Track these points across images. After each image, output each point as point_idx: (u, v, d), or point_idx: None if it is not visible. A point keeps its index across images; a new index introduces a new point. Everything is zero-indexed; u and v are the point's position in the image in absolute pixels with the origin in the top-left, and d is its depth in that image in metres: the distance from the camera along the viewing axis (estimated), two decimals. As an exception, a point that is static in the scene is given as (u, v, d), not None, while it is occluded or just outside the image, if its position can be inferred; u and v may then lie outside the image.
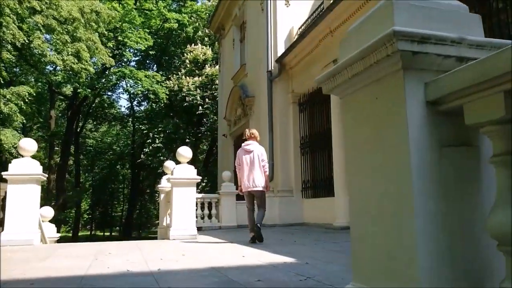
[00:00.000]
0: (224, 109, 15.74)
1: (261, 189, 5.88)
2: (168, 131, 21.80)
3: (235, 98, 14.34)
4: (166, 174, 8.88)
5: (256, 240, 5.61)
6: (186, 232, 6.67)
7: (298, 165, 10.98)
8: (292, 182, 10.95)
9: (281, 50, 11.35)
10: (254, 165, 5.86)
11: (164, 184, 8.42)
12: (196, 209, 10.07)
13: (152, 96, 22.87)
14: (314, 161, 10.71)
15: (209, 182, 26.20)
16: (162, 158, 22.95)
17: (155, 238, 11.02)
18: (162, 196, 8.76)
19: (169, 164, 8.62)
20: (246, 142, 6.12)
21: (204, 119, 26.87)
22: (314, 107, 10.73)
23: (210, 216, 10.53)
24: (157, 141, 21.74)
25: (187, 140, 23.43)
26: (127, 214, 34.90)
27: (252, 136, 6.13)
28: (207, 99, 22.49)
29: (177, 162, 7.14)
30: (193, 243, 5.97)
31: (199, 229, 9.97)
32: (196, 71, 23.53)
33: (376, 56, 1.45)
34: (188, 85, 22.00)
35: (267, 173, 6.11)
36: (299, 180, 10.93)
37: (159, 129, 21.98)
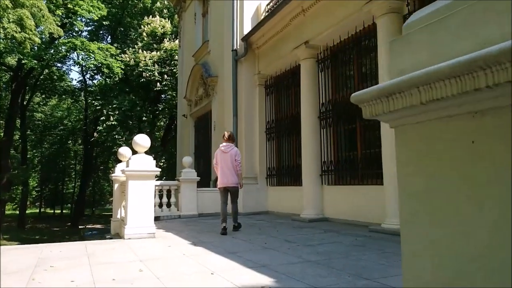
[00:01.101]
0: (184, 88, 14.84)
1: (235, 185, 6.65)
2: (123, 108, 20.52)
3: (197, 77, 13.49)
4: (121, 161, 8.08)
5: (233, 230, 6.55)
6: (143, 230, 6.00)
7: (263, 151, 10.46)
8: (256, 169, 10.43)
9: (247, 28, 10.60)
10: (229, 165, 6.61)
11: (118, 173, 7.62)
12: (154, 197, 9.43)
13: (106, 71, 21.38)
14: (280, 148, 10.23)
15: (167, 161, 25.33)
16: (117, 136, 21.75)
17: (110, 216, 10.19)
18: (116, 186, 7.97)
19: (124, 151, 7.81)
20: (224, 144, 6.79)
21: (162, 95, 25.70)
22: (282, 91, 10.16)
23: (169, 205, 9.86)
24: (111, 119, 20.44)
25: (144, 118, 22.29)
26: (79, 191, 33.35)
27: (230, 138, 6.84)
28: (165, 76, 21.33)
29: (134, 152, 6.39)
30: (152, 249, 5.32)
31: (157, 218, 9.27)
32: (154, 45, 22.20)
33: (493, 77, 0.87)
34: (145, 60, 20.72)
35: (240, 172, 6.78)
36: (264, 167, 10.44)
37: (114, 105, 20.64)
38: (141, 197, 6.02)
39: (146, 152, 6.31)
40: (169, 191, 9.96)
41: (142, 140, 6.18)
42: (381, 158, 6.52)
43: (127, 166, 6.12)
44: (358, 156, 7.54)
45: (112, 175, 8.20)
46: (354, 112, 7.56)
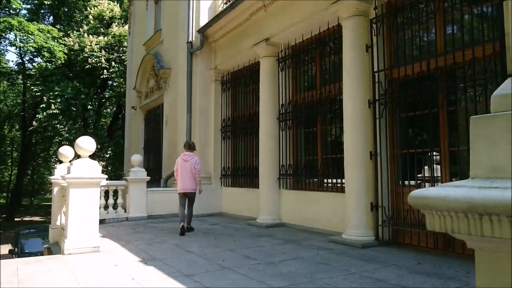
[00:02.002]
0: (133, 78, 13.96)
1: (192, 191, 7.23)
2: (66, 95, 19.10)
3: (148, 67, 12.70)
4: (62, 161, 7.30)
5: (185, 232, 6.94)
6: (86, 244, 5.38)
7: (218, 150, 10.00)
8: (211, 168, 9.96)
9: (204, 19, 10.02)
10: (189, 173, 7.18)
11: (58, 175, 6.87)
12: (100, 199, 8.71)
13: (47, 54, 19.77)
14: (236, 147, 9.83)
15: (113, 153, 24.07)
16: (59, 126, 20.27)
17: (49, 206, 9.30)
18: (55, 189, 7.20)
19: (65, 151, 7.05)
20: (185, 153, 7.36)
21: (110, 82, 24.35)
22: (239, 88, 9.73)
23: (115, 206, 9.18)
24: (53, 107, 18.97)
25: (89, 107, 20.93)
26: (17, 179, 31.07)
27: (190, 147, 7.45)
28: (113, 63, 20.14)
29: (78, 156, 5.71)
30: (96, 270, 4.76)
31: (102, 221, 8.60)
32: (101, 29, 20.88)
33: None
34: (91, 45, 19.41)
35: (199, 179, 7.33)
36: (218, 166, 9.99)
37: (56, 92, 19.15)
38: (84, 207, 5.39)
39: (90, 157, 5.66)
40: (115, 192, 9.27)
41: (86, 143, 5.52)
42: (343, 165, 6.32)
43: (68, 172, 5.45)
44: (318, 161, 7.31)
45: (51, 177, 7.41)
46: (315, 115, 7.31)
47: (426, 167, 5.55)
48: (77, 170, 5.35)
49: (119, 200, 9.22)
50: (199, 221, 8.88)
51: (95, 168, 5.47)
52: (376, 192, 5.84)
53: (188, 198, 7.25)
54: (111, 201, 9.06)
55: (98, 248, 5.46)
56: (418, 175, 5.60)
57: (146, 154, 13.55)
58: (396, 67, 5.73)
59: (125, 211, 9.17)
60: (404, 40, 5.74)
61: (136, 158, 9.48)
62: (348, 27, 6.20)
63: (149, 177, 9.45)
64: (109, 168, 24.57)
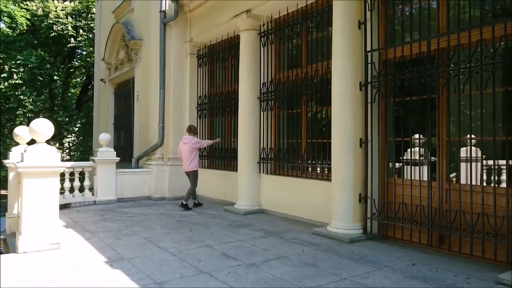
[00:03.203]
0: (102, 48, 12.96)
1: (192, 170, 7.82)
2: (30, 65, 17.79)
3: (117, 37, 11.74)
4: (19, 143, 6.55)
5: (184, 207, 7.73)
6: (44, 240, 4.77)
7: (193, 130, 9.34)
8: (186, 148, 9.33)
9: (179, -14, 9.16)
10: (187, 154, 7.77)
11: (14, 160, 6.14)
12: (64, 182, 8.05)
13: (7, 20, 18.27)
14: (213, 127, 9.24)
15: (82, 125, 22.95)
16: (22, 97, 18.98)
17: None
18: (11, 175, 6.47)
19: (20, 131, 6.29)
20: (185, 136, 7.96)
21: (78, 51, 22.95)
22: (217, 63, 9.04)
23: (82, 189, 8.52)
24: (15, 77, 17.67)
25: (55, 77, 19.64)
26: (-26, 151, 29.48)
27: (191, 131, 7.97)
28: (81, 30, 18.83)
29: (32, 141, 5.01)
30: (53, 275, 4.19)
31: (67, 206, 8.02)
32: (68, -7, 19.36)
33: None
34: (56, 11, 17.99)
35: (206, 144, 8.23)
36: (194, 146, 9.36)
37: (18, 61, 17.80)
38: (41, 199, 4.74)
39: (48, 142, 4.97)
40: (82, 174, 8.59)
41: (42, 127, 4.81)
42: (330, 151, 5.86)
43: (22, 160, 4.76)
44: (302, 145, 6.82)
45: (6, 161, 6.65)
46: (300, 96, 6.77)
47: (421, 158, 5.15)
48: (32, 158, 4.67)
49: (86, 182, 8.56)
50: (173, 205, 8.36)
51: (52, 155, 4.79)
52: (365, 182, 5.42)
53: (189, 176, 7.91)
54: (77, 183, 8.37)
55: (59, 244, 4.86)
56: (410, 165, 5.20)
57: (117, 131, 12.76)
58: (392, 47, 5.21)
59: (92, 194, 8.53)
60: (402, 17, 5.19)
61: (105, 137, 8.76)
62: (339, 0, 5.59)
63: (119, 158, 8.79)
64: (78, 143, 23.56)
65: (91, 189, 8.59)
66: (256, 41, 7.51)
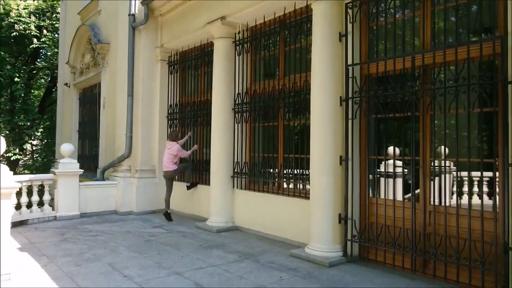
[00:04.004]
0: (66, 51, 12.28)
1: (170, 169, 7.82)
2: (-12, 65, 16.80)
3: (83, 40, 11.14)
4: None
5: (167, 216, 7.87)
6: (-8, 271, 4.24)
7: (163, 140, 8.86)
8: (155, 159, 8.88)
9: (150, -11, 8.71)
10: (170, 157, 7.78)
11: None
12: (20, 197, 7.44)
13: (-37, 18, 17.18)
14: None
15: (46, 130, 21.88)
16: (-20, 101, 17.90)
17: None
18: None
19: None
20: (168, 142, 7.90)
21: (42, 51, 21.90)
22: (189, 70, 8.62)
23: (41, 204, 7.90)
24: (-29, 78, 16.63)
25: (16, 79, 18.60)
26: None
27: (172, 138, 7.91)
28: (45, 30, 17.94)
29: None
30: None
31: (24, 223, 7.40)
32: (31, -9, 18.43)
33: None
34: (18, 9, 17.06)
35: (187, 155, 8.02)
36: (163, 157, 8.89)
37: (-25, 62, 16.78)
38: (-11, 225, 4.21)
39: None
40: (41, 187, 7.98)
41: (-8, 143, 4.29)
42: (308, 167, 5.60)
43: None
44: (279, 160, 6.52)
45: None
46: (277, 109, 6.47)
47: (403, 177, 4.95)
48: (-22, 179, 4.14)
49: (46, 197, 7.95)
50: (141, 221, 7.88)
51: (3, 175, 4.28)
52: (345, 202, 5.16)
53: (167, 180, 7.96)
54: (35, 198, 7.75)
55: (10, 275, 4.33)
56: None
57: (81, 139, 12.10)
58: (374, 62, 4.98)
59: (53, 209, 7.93)
60: (385, 30, 4.98)
61: (67, 148, 8.18)
62: (319, 11, 5.34)
63: (82, 170, 8.23)
64: (41, 147, 22.47)
65: (51, 203, 7.99)
66: (231, 50, 7.17)
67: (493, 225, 3.95)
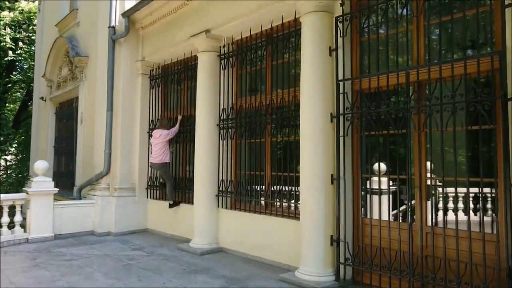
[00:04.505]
0: (43, 64, 11.84)
1: (158, 162, 7.55)
2: (-41, 78, 16.16)
3: (60, 53, 10.73)
4: None
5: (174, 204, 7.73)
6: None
7: (144, 156, 8.54)
8: (135, 177, 8.49)
9: (131, 0, 8.45)
10: (160, 148, 7.54)
11: None
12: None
13: None
14: (166, 154, 8.44)
15: (22, 145, 21.11)
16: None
17: None
18: None
19: None
20: (156, 131, 7.68)
21: (18, 64, 21.27)
22: (172, 85, 8.33)
23: (11, 225, 7.40)
24: None
25: (-10, 93, 18.00)
26: None
27: (162, 125, 7.72)
28: (21, 43, 17.43)
29: None
30: None
31: (-7, 246, 6.87)
32: (7, 2, 17.93)
33: None
34: (-7, 21, 16.55)
35: (174, 131, 7.69)
36: (144, 175, 8.54)
37: None
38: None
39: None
40: (12, 208, 7.49)
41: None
42: (297, 185, 5.36)
43: None
44: (267, 178, 6.25)
45: None
46: (264, 125, 6.23)
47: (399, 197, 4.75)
48: None
49: (17, 218, 7.46)
50: (120, 242, 7.46)
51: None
52: (337, 223, 4.92)
53: (160, 172, 7.79)
54: (5, 219, 7.27)
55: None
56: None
57: (57, 155, 11.58)
58: (366, 77, 4.81)
59: (25, 231, 7.44)
60: (377, 44, 4.83)
61: (41, 165, 7.75)
62: (308, 24, 5.16)
63: (57, 189, 7.78)
64: (16, 162, 21.68)
65: (23, 224, 7.50)
66: (216, 64, 6.93)
67: (495, 248, 3.76)
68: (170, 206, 7.70)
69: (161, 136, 7.48)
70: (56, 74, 11.21)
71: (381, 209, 4.72)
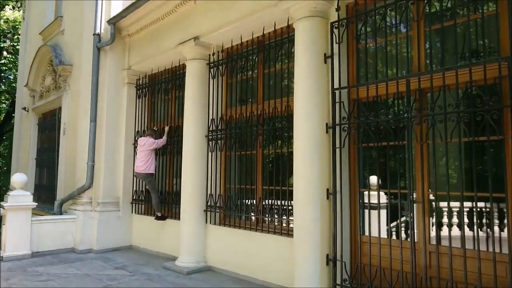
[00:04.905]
0: (27, 73, 11.44)
1: (143, 172, 7.22)
2: None
3: (44, 61, 10.37)
4: None
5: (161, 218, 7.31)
6: None
7: (129, 169, 8.14)
8: (119, 191, 8.09)
9: (117, 7, 8.15)
10: (144, 157, 7.23)
11: None
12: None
13: None
14: (152, 167, 8.06)
15: (3, 159, 20.51)
16: None
17: None
18: None
19: None
20: (141, 138, 7.43)
21: (3, 74, 20.79)
22: (159, 94, 8.01)
23: (-15, 242, 6.95)
24: None
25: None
26: None
27: (149, 134, 7.44)
28: (5, 52, 17.04)
29: None
30: None
31: (-37, 266, 6.39)
32: (-9, 12, 17.58)
33: None
34: (-24, 30, 16.14)
35: (161, 143, 7.33)
36: (129, 189, 8.14)
37: None
38: None
39: None
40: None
41: None
42: (291, 200, 5.04)
43: None
44: (258, 192, 5.92)
45: None
46: (255, 136, 5.92)
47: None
48: None
49: (-9, 235, 7.00)
50: (101, 260, 7.02)
51: None
52: (333, 241, 4.59)
53: (145, 182, 7.45)
54: (-21, 236, 6.82)
55: None
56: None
57: (39, 168, 11.12)
58: (364, 85, 4.55)
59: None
60: (375, 51, 4.58)
61: (19, 178, 7.32)
62: (302, 30, 4.91)
63: (35, 203, 7.36)
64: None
65: (-2, 241, 7.05)
66: (205, 72, 6.64)
67: (506, 269, 3.47)
68: (157, 218, 7.32)
69: (146, 144, 7.19)
70: (39, 84, 10.82)
71: (380, 225, 4.40)
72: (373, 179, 4.58)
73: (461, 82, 3.77)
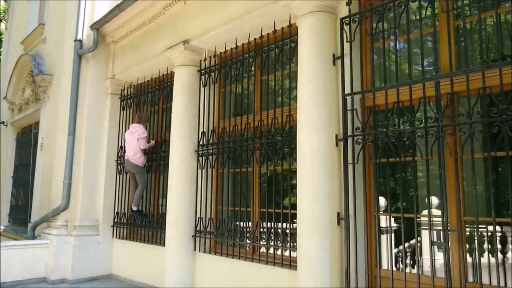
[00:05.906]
0: (5, 85, 10.69)
1: (137, 165, 6.50)
2: None
3: (24, 72, 9.63)
4: None
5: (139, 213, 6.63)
6: None
7: (110, 188, 7.33)
8: (99, 213, 7.25)
9: (101, 11, 7.49)
10: (134, 144, 6.49)
11: None
12: None
13: None
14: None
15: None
16: None
17: None
18: None
19: None
20: (133, 125, 6.66)
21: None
22: (145, 105, 7.26)
23: None
24: None
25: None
26: None
27: (141, 119, 6.69)
28: (-11, 65, 16.26)
29: None
30: None
31: None
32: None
33: None
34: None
35: (144, 147, 6.53)
36: (110, 210, 7.31)
37: None
38: None
39: None
40: None
41: None
42: (294, 224, 4.28)
43: None
44: (254, 216, 5.14)
45: None
46: (251, 151, 5.16)
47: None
48: None
49: (-51, 263, 6.13)
50: (74, 293, 6.14)
51: None
52: (346, 275, 3.81)
53: (134, 174, 6.60)
54: None
55: None
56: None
57: (16, 186, 10.26)
58: (382, 90, 3.83)
59: (-43, 279, 6.09)
60: (395, 49, 3.89)
61: (-17, 198, 6.47)
62: (307, 28, 4.24)
63: (3, 227, 6.48)
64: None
65: (-44, 271, 6.17)
66: (195, 80, 5.94)
67: None
68: (134, 212, 6.64)
69: (137, 132, 6.46)
70: (18, 96, 10.08)
71: (405, 258, 3.63)
72: (393, 202, 3.84)
73: (506, 83, 3.08)
